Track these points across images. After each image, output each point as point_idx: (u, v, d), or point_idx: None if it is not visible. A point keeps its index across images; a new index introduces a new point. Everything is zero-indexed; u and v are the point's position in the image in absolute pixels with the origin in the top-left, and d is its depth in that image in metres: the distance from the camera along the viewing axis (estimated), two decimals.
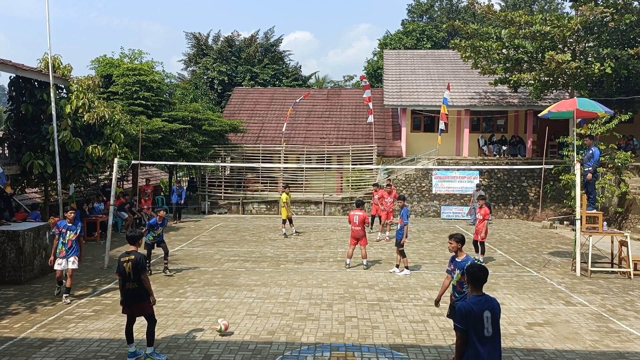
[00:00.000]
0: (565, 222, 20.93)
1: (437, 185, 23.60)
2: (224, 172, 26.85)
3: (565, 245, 16.62)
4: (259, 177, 26.18)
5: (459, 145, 26.86)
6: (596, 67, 19.33)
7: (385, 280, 11.97)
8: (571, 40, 20.84)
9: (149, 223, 12.63)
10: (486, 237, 13.90)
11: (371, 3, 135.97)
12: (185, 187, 26.25)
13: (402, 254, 12.59)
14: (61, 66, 15.67)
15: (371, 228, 18.37)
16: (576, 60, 20.00)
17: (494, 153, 25.66)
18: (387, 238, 17.41)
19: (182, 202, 22.30)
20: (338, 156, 26.40)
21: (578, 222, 12.90)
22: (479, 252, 13.86)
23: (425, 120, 28.00)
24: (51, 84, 12.46)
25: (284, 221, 18.21)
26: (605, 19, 19.83)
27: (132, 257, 7.46)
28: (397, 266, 12.77)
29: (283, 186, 20.13)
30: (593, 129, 18.69)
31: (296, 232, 18.61)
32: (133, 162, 16.05)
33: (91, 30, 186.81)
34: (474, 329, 4.98)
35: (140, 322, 7.71)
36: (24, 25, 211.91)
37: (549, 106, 15.24)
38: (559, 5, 48.59)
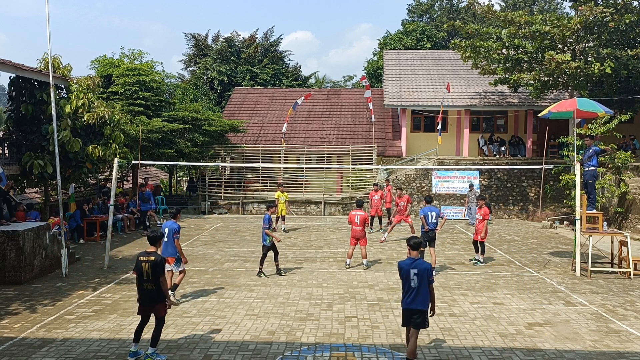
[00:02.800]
0: (565, 222, 20.93)
1: (437, 185, 23.60)
2: (224, 172, 26.84)
3: (565, 245, 16.62)
4: (259, 177, 26.19)
5: (459, 145, 26.86)
6: (596, 67, 19.32)
7: (385, 280, 11.97)
8: (571, 40, 20.84)
9: (265, 218, 12.18)
10: (486, 237, 13.90)
11: (372, 3, 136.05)
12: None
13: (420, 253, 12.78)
14: (61, 66, 15.68)
15: (371, 228, 18.39)
16: (576, 60, 20.00)
17: (494, 153, 25.66)
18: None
19: (153, 209, 19.63)
20: (338, 156, 26.40)
21: (578, 222, 12.89)
22: (479, 252, 13.85)
23: (425, 120, 27.99)
24: (51, 84, 12.43)
25: (283, 218, 19.10)
26: (605, 19, 19.82)
27: (152, 257, 7.38)
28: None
29: (280, 184, 20.61)
30: (593, 129, 18.69)
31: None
32: (133, 162, 16.04)
33: (91, 30, 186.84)
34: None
35: (138, 321, 7.70)
36: (24, 25, 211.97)
37: (549, 106, 15.23)
38: (559, 5, 48.59)
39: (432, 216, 12.79)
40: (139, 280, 7.43)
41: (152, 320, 7.53)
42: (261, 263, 12.42)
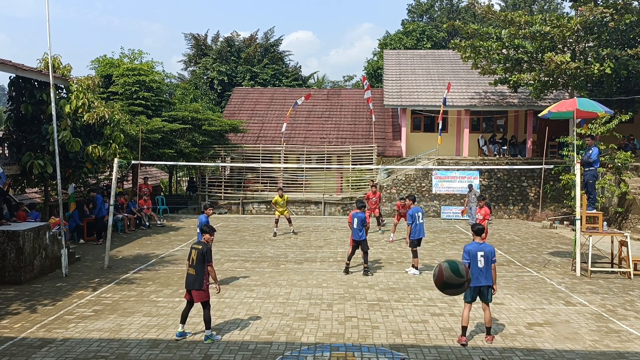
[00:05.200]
0: (565, 222, 20.92)
1: (437, 185, 23.60)
2: (224, 172, 26.85)
3: (565, 245, 16.62)
4: (259, 177, 26.19)
5: (459, 145, 26.86)
6: (595, 68, 19.32)
7: (385, 280, 11.97)
8: (571, 40, 20.83)
9: (361, 217, 12.50)
10: (486, 238, 13.82)
11: (373, 3, 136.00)
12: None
13: (414, 253, 12.87)
14: (61, 66, 15.66)
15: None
16: (576, 61, 19.99)
17: (494, 153, 25.66)
18: (391, 239, 17.36)
19: (106, 216, 15.83)
20: (338, 156, 26.40)
21: (578, 222, 12.89)
22: None
23: (425, 120, 27.99)
24: (51, 84, 12.42)
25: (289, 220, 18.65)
26: (605, 19, 19.82)
27: (200, 247, 8.18)
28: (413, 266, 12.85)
29: (279, 188, 20.09)
30: (593, 129, 18.69)
31: (275, 234, 18.29)
32: (133, 162, 16.03)
33: (91, 30, 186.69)
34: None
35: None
36: (24, 25, 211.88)
37: (549, 106, 15.23)
38: (559, 6, 48.59)
39: (418, 217, 12.75)
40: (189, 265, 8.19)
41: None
42: (349, 259, 12.64)
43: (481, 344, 8.14)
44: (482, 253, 8.07)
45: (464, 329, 8.14)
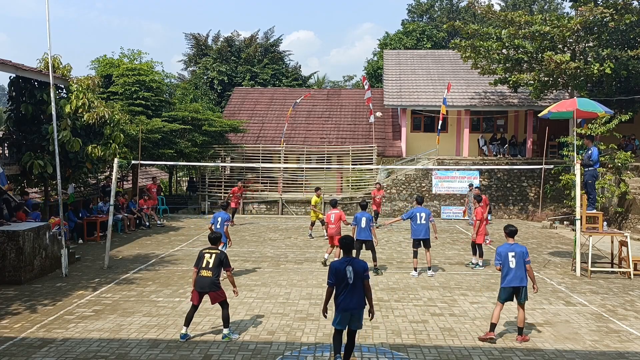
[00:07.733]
0: (565, 222, 20.93)
1: (437, 185, 23.60)
2: (224, 172, 26.85)
3: (565, 245, 16.62)
4: (259, 177, 26.18)
5: (459, 145, 26.86)
6: (595, 68, 19.33)
7: (385, 280, 11.97)
8: (571, 40, 20.85)
9: (369, 217, 12.58)
10: (483, 240, 13.60)
11: (374, 2, 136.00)
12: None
13: (414, 254, 12.78)
14: (61, 66, 15.65)
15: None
16: (575, 61, 20.00)
17: (494, 153, 25.66)
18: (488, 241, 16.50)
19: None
20: (338, 156, 26.40)
21: (578, 222, 12.89)
22: (476, 255, 13.57)
23: (425, 120, 27.99)
24: (51, 84, 12.42)
25: (312, 223, 17.96)
26: (605, 19, 19.83)
27: (217, 251, 8.33)
28: (430, 268, 12.68)
29: (316, 189, 18.75)
30: (593, 129, 18.69)
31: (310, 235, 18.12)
32: (133, 162, 16.03)
33: (91, 30, 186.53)
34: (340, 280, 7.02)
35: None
36: (24, 25, 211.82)
37: (549, 106, 15.23)
38: (559, 5, 48.60)
39: (421, 217, 12.46)
40: (198, 270, 8.18)
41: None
42: (375, 260, 12.61)
43: (481, 343, 8.14)
44: (512, 254, 8.10)
45: (493, 325, 8.21)
